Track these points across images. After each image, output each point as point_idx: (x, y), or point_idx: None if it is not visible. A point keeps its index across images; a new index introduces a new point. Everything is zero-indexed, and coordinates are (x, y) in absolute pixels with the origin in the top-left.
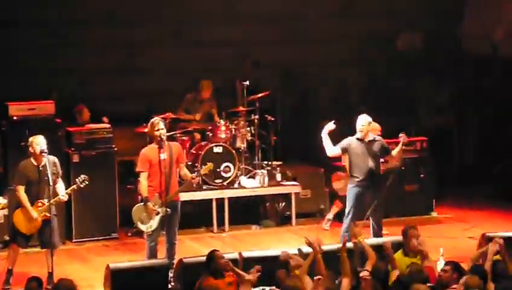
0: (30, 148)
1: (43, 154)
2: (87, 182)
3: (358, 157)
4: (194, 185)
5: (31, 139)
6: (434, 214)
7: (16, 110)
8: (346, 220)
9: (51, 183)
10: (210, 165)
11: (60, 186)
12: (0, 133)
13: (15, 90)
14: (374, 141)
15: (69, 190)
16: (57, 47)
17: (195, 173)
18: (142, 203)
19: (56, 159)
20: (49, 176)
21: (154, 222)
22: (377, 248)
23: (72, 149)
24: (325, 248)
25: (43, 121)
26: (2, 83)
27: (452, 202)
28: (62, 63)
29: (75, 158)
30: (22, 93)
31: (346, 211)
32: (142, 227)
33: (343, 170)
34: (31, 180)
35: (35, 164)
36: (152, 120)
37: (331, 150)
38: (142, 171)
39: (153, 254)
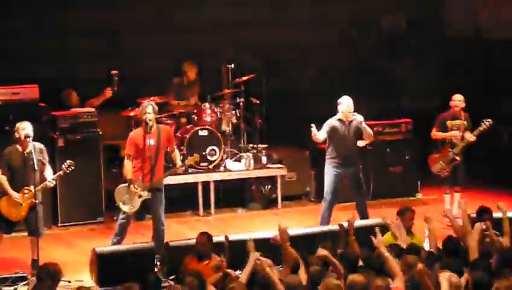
0: (16, 134)
1: (28, 139)
2: (73, 168)
3: (339, 139)
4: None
5: (17, 124)
6: (419, 195)
7: (0, 94)
8: (325, 203)
9: (36, 168)
10: (196, 156)
11: (48, 172)
12: None
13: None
14: (352, 121)
15: (55, 176)
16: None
17: (180, 163)
18: (125, 185)
19: (42, 146)
20: (35, 161)
21: (136, 204)
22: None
23: (57, 133)
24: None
25: (28, 106)
26: None
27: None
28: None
29: (60, 142)
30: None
31: (324, 192)
32: (124, 207)
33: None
34: (15, 166)
35: (21, 149)
36: (142, 104)
37: (322, 139)
38: (127, 154)
39: (120, 232)
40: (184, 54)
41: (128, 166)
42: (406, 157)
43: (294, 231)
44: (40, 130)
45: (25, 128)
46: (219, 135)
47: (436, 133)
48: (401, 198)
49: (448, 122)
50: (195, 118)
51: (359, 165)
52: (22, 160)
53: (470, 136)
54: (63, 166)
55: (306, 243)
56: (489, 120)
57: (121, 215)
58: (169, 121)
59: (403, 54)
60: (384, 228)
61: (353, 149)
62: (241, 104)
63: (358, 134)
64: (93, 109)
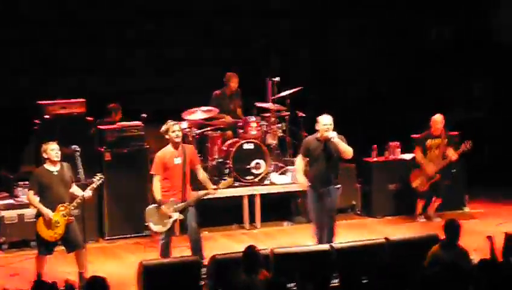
0: (44, 154)
1: (57, 159)
2: (103, 180)
3: (317, 158)
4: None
5: (44, 145)
6: (466, 209)
7: (48, 109)
8: (313, 226)
9: (69, 185)
10: (230, 180)
11: (76, 189)
12: (33, 132)
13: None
14: (331, 140)
15: (88, 189)
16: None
17: (213, 187)
18: (155, 205)
19: (68, 165)
20: (67, 178)
21: (167, 224)
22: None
23: (104, 147)
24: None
25: (75, 120)
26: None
27: (484, 197)
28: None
29: (107, 156)
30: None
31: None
32: (154, 227)
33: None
34: (46, 185)
35: (51, 169)
36: (167, 123)
37: (298, 164)
38: (155, 174)
39: (165, 251)
40: (228, 65)
41: (157, 186)
42: (453, 170)
43: (340, 244)
44: (87, 144)
45: (54, 148)
46: (265, 148)
47: (416, 155)
48: (448, 211)
49: (428, 142)
50: (241, 131)
51: (336, 186)
52: (52, 178)
53: (453, 155)
54: (94, 179)
55: (352, 256)
56: (470, 141)
57: (161, 236)
58: (215, 134)
59: (450, 64)
60: (434, 241)
61: (330, 169)
62: (286, 117)
63: (337, 152)
64: (139, 123)
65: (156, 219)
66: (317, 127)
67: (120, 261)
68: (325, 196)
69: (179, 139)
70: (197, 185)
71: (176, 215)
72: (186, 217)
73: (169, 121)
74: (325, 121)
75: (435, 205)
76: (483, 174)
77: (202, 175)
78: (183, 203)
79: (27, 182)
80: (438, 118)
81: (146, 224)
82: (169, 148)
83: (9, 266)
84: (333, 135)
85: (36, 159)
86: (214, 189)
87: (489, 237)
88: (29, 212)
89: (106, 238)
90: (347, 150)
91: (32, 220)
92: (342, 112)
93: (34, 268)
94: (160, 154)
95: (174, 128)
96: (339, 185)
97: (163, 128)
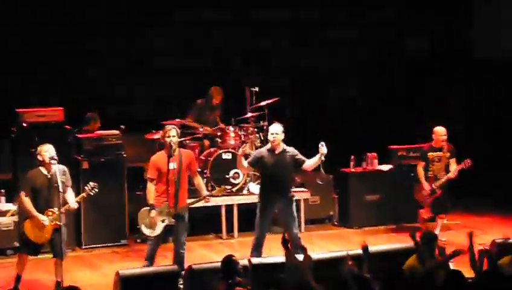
0: (38, 156)
1: (52, 161)
2: (96, 190)
3: (268, 170)
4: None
5: (39, 147)
6: (443, 221)
7: (26, 117)
8: (253, 240)
9: (61, 190)
10: (223, 187)
11: (70, 195)
12: (10, 140)
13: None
14: (285, 151)
15: (78, 198)
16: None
17: (207, 193)
18: (148, 208)
19: (66, 168)
20: (59, 183)
21: (158, 229)
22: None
23: (82, 156)
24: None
25: (53, 128)
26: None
27: (461, 208)
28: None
29: (85, 165)
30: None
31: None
32: (145, 231)
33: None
34: (39, 188)
35: (45, 172)
36: (164, 127)
37: (244, 169)
38: (150, 178)
39: (149, 256)
40: (206, 75)
41: (150, 190)
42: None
43: (317, 255)
44: (64, 153)
45: (48, 150)
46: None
47: (417, 169)
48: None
49: (430, 154)
50: (219, 140)
51: (289, 196)
52: (46, 182)
53: (452, 173)
54: (87, 188)
55: (329, 266)
56: (470, 161)
57: (149, 241)
58: (192, 144)
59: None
60: (409, 252)
61: (284, 181)
62: (264, 127)
63: (295, 165)
64: (117, 132)
65: (147, 221)
66: (272, 137)
67: (97, 271)
68: (283, 206)
69: (174, 144)
70: (193, 192)
71: (169, 220)
72: (177, 226)
73: (167, 125)
74: (272, 130)
75: (439, 223)
76: (460, 185)
77: (197, 181)
78: (177, 209)
79: (3, 190)
80: (439, 130)
81: (138, 227)
82: (164, 152)
83: None
84: (324, 151)
85: (13, 167)
86: (207, 195)
87: (469, 234)
88: (5, 220)
89: (83, 247)
90: (309, 165)
91: (8, 228)
92: (320, 122)
93: (9, 275)
94: (154, 157)
95: (169, 133)
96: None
97: (161, 133)
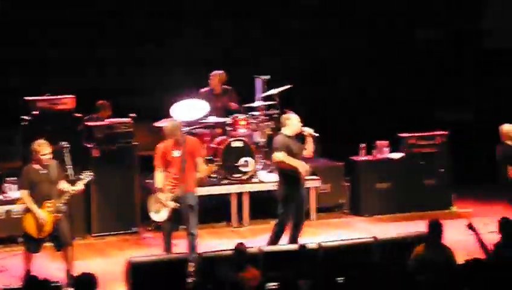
0: (33, 153)
1: (45, 157)
2: (92, 177)
3: (297, 156)
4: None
5: (32, 144)
6: (454, 208)
7: (37, 104)
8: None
9: (56, 182)
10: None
11: (64, 186)
12: (21, 127)
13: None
14: (296, 137)
15: (78, 186)
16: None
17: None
18: (155, 194)
19: (57, 163)
20: (55, 175)
21: (163, 213)
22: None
23: (92, 144)
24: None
25: (63, 116)
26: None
27: (472, 196)
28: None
29: (95, 153)
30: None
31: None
32: (154, 217)
33: None
34: (35, 182)
35: (39, 167)
36: (172, 120)
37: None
38: (156, 165)
39: (165, 243)
40: (217, 63)
41: (157, 177)
42: (440, 169)
43: (328, 243)
44: (75, 141)
45: (41, 145)
46: (253, 146)
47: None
48: (435, 211)
49: None
50: (230, 129)
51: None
52: (40, 176)
53: None
54: (81, 176)
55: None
56: None
57: (162, 230)
58: (204, 132)
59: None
60: (419, 240)
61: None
62: (275, 115)
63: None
64: (128, 120)
65: (155, 207)
66: (298, 124)
67: (107, 258)
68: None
69: (182, 138)
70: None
71: (171, 205)
72: (183, 212)
73: (173, 119)
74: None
75: None
76: (471, 173)
77: (201, 168)
78: (179, 193)
79: (15, 178)
80: None
81: (148, 213)
82: (169, 141)
83: None
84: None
85: (24, 155)
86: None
87: (469, 225)
88: (17, 208)
89: (93, 234)
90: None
91: (19, 216)
92: (331, 110)
93: (21, 264)
94: (160, 145)
95: (178, 128)
96: None
97: (170, 125)
